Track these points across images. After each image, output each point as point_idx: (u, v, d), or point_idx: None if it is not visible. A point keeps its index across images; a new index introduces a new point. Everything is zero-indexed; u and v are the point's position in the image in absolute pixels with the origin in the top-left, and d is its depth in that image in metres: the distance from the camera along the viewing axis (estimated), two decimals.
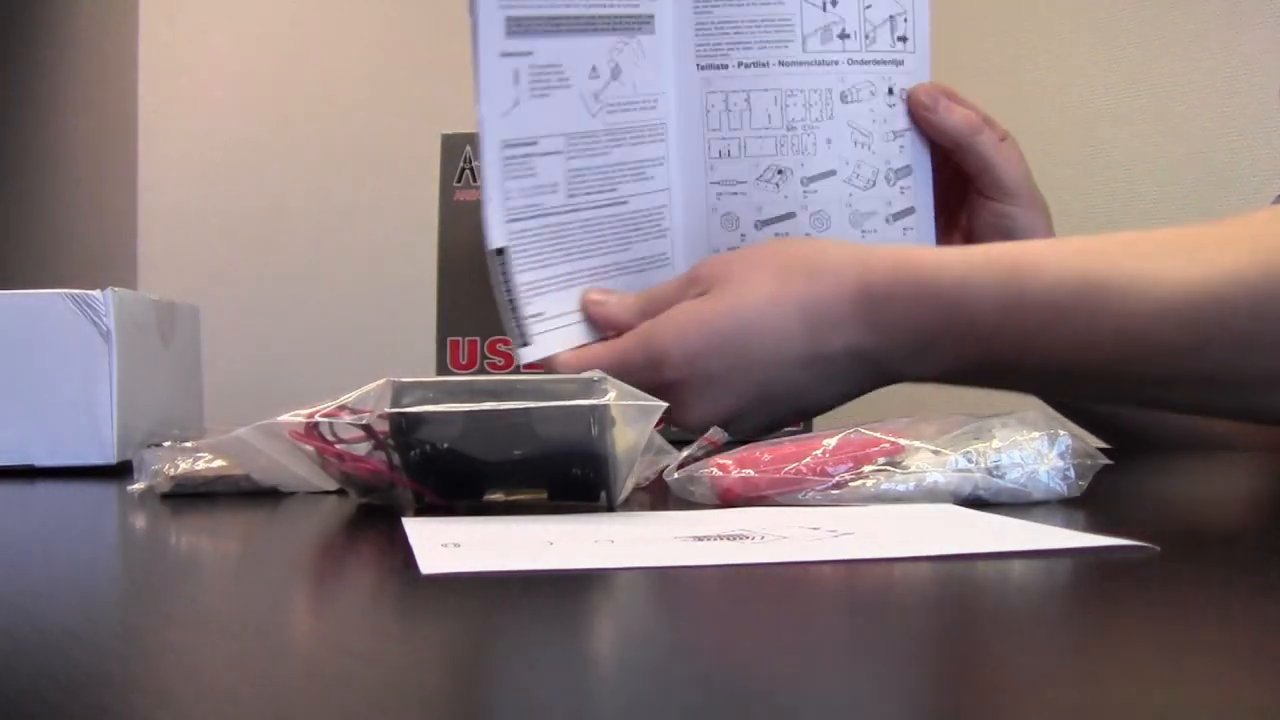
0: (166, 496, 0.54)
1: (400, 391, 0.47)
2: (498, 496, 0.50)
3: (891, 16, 0.78)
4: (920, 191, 0.78)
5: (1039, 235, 0.78)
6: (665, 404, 0.47)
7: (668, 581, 0.36)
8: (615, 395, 0.46)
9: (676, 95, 0.77)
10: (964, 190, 0.81)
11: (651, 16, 0.76)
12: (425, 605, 0.32)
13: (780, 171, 0.76)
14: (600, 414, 0.46)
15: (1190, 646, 0.28)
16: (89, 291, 0.67)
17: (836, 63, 0.77)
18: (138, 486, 0.55)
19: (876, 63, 0.77)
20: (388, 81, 1.74)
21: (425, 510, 0.48)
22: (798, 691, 0.24)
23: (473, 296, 0.91)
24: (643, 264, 0.75)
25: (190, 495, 0.54)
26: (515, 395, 0.46)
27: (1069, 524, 0.44)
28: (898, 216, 0.77)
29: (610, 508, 0.49)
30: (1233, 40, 1.18)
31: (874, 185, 0.77)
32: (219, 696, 0.24)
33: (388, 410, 0.46)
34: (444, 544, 0.39)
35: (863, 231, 0.76)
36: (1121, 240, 0.62)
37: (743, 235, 0.76)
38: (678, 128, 0.77)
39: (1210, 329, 0.57)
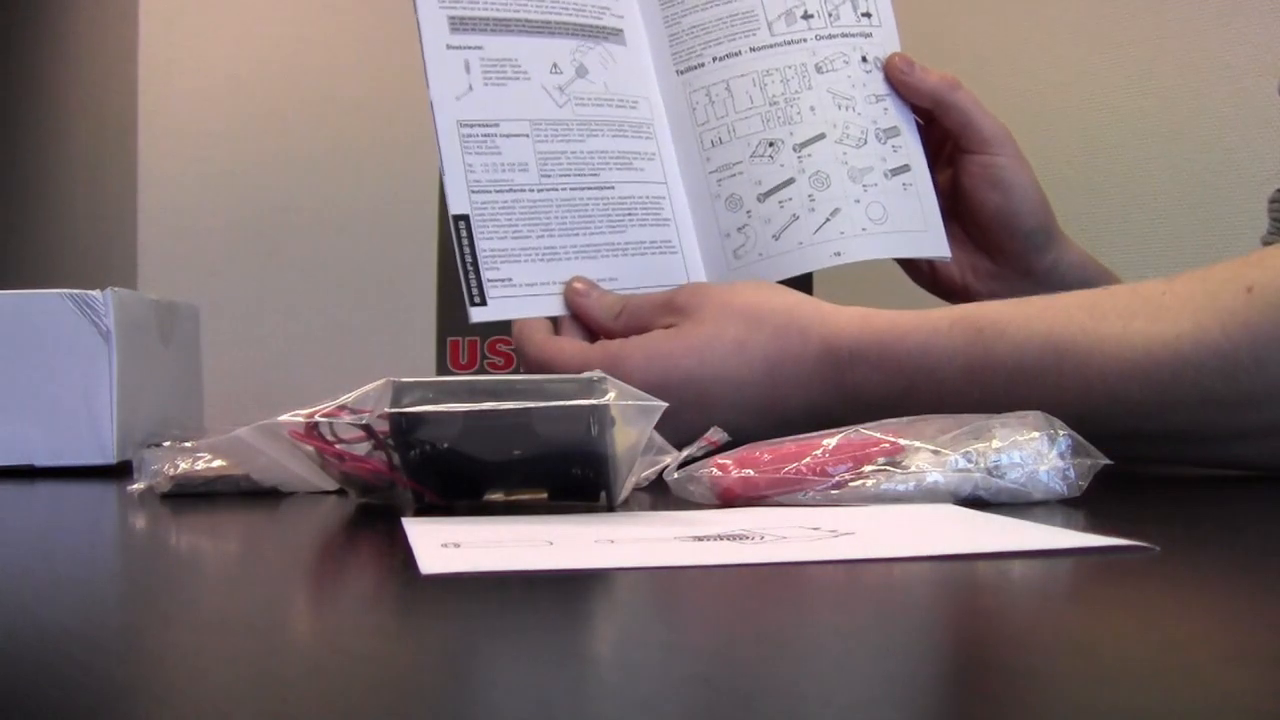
0: (166, 496, 0.54)
1: (400, 391, 0.47)
2: (498, 496, 0.50)
3: None
4: (912, 150, 0.81)
5: (1025, 181, 0.81)
6: (665, 404, 0.47)
7: (668, 581, 0.36)
8: (615, 395, 0.46)
9: (664, 102, 0.81)
10: (949, 151, 0.83)
11: (620, 30, 0.81)
12: (425, 605, 0.32)
13: (771, 144, 0.79)
14: (600, 414, 0.46)
15: (1190, 646, 0.28)
16: (89, 291, 0.67)
17: (805, 40, 0.81)
18: (138, 486, 0.55)
19: (844, 35, 0.81)
20: (388, 81, 1.73)
21: (425, 510, 0.48)
22: (798, 691, 0.24)
23: None
24: (643, 247, 0.77)
25: (190, 495, 0.54)
26: (515, 395, 0.46)
27: (1069, 524, 0.44)
28: (895, 173, 0.80)
29: (610, 508, 0.49)
30: (1233, 40, 1.18)
31: (865, 143, 0.80)
32: (219, 696, 0.24)
33: (388, 410, 0.46)
34: (444, 544, 0.39)
35: (864, 186, 0.79)
36: (1082, 300, 0.63)
37: (748, 211, 0.78)
38: (670, 130, 0.80)
39: (1174, 389, 0.59)
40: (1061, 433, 0.50)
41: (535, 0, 0.79)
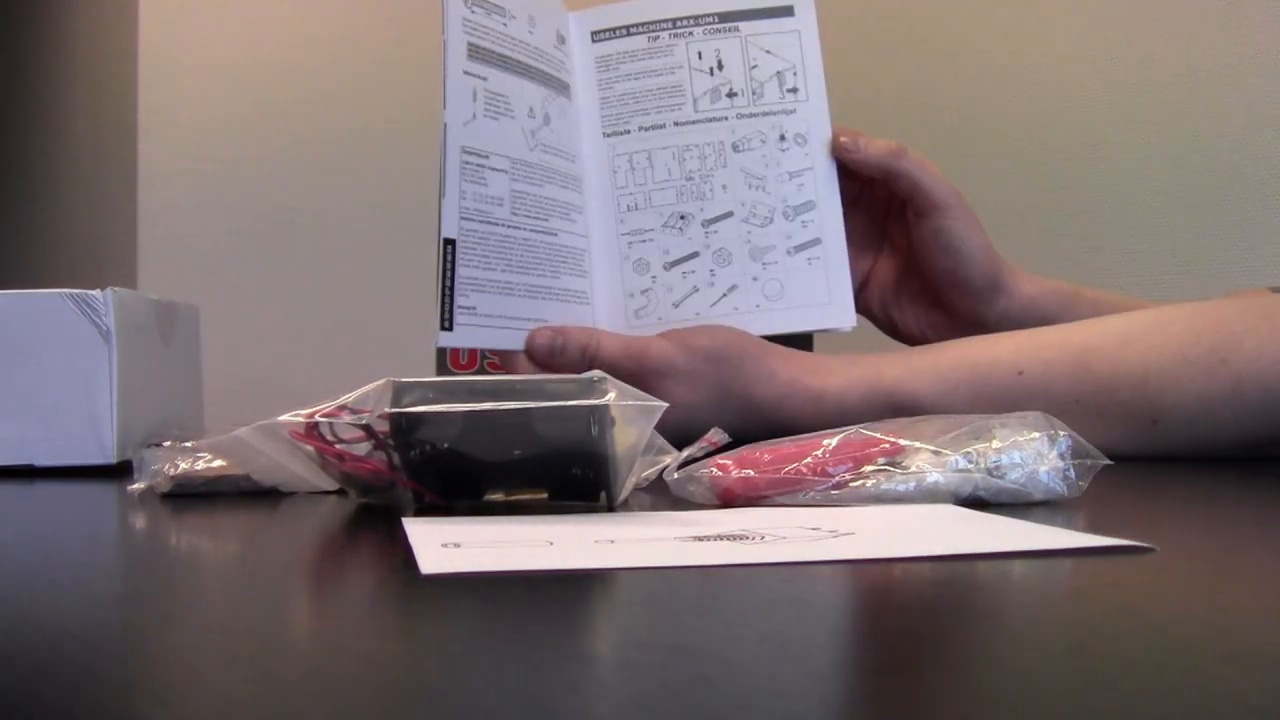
0: (166, 496, 0.54)
1: (400, 391, 0.47)
2: (498, 496, 0.50)
3: (779, 72, 0.85)
4: (827, 223, 0.84)
5: (973, 244, 0.85)
6: (666, 404, 0.47)
7: (668, 581, 0.36)
8: (615, 395, 0.46)
9: (590, 160, 0.85)
10: (898, 214, 0.87)
11: (569, 86, 0.86)
12: (425, 605, 0.32)
13: (683, 217, 0.84)
14: (600, 414, 0.46)
15: (1190, 646, 0.28)
16: (89, 291, 0.67)
17: (726, 118, 0.85)
18: (138, 486, 0.55)
19: (765, 114, 0.85)
20: (388, 81, 1.74)
21: (425, 510, 0.48)
22: (798, 692, 0.24)
23: None
24: (568, 295, 0.82)
25: (190, 495, 0.54)
26: (515, 395, 0.46)
27: (1069, 524, 0.44)
28: (800, 248, 0.83)
29: (610, 508, 0.49)
30: (1233, 40, 1.18)
31: (771, 222, 0.83)
32: (219, 696, 0.24)
33: (388, 410, 0.46)
34: (444, 544, 0.39)
35: (763, 264, 0.83)
36: (1059, 334, 0.71)
37: (653, 277, 0.83)
38: (593, 187, 0.85)
39: (1160, 405, 0.66)
40: (1062, 433, 0.50)
41: (524, 44, 0.82)
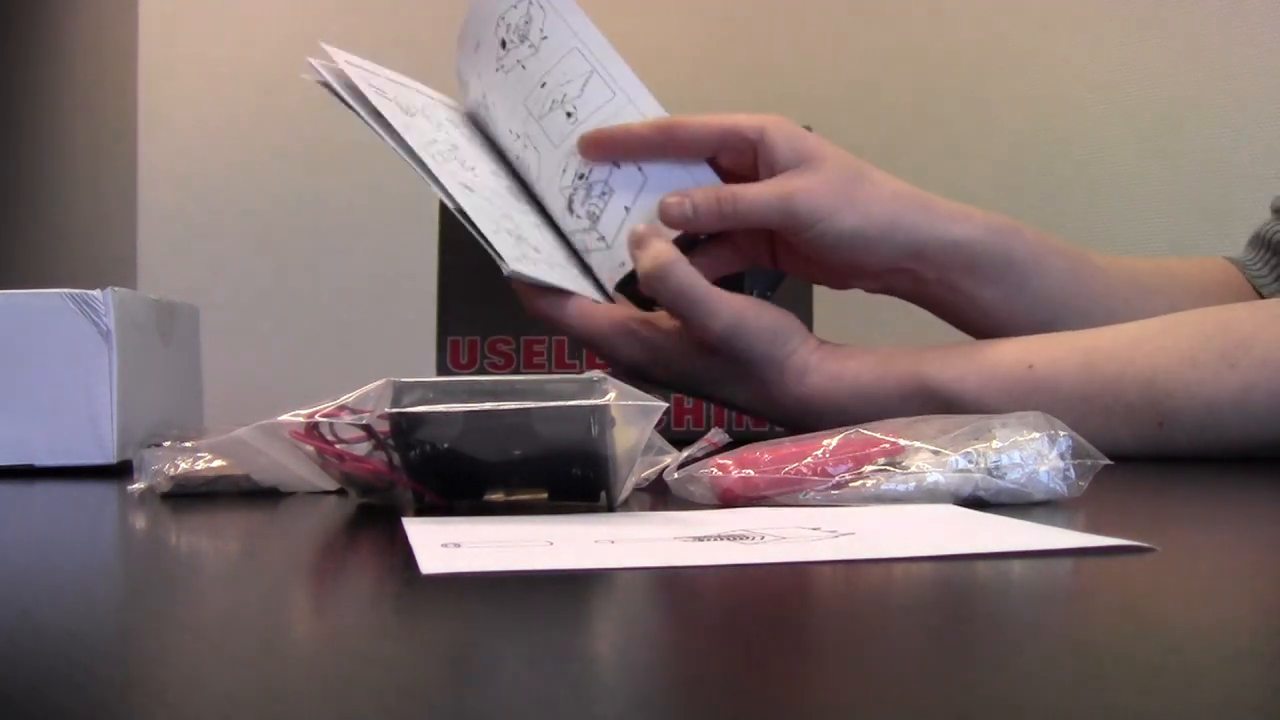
0: (166, 496, 0.54)
1: (400, 391, 0.47)
2: (498, 496, 0.50)
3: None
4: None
5: (854, 223, 0.76)
6: (665, 404, 0.47)
7: (668, 581, 0.36)
8: (615, 395, 0.46)
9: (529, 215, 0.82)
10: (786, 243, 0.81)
11: (474, 167, 0.81)
12: (425, 605, 0.32)
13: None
14: (600, 414, 0.46)
15: (1190, 646, 0.28)
16: (89, 291, 0.67)
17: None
18: (138, 486, 0.55)
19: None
20: None
21: (425, 510, 0.48)
22: (798, 692, 0.24)
23: (473, 296, 0.92)
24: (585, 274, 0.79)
25: (190, 495, 0.54)
26: (515, 395, 0.46)
27: (1069, 524, 0.44)
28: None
29: (610, 508, 0.49)
30: (1233, 40, 1.18)
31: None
32: (219, 697, 0.24)
33: (388, 410, 0.46)
34: (444, 544, 0.39)
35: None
36: (1068, 335, 0.72)
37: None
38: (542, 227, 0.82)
39: (1167, 409, 0.67)
40: (1062, 433, 0.50)
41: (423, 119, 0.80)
